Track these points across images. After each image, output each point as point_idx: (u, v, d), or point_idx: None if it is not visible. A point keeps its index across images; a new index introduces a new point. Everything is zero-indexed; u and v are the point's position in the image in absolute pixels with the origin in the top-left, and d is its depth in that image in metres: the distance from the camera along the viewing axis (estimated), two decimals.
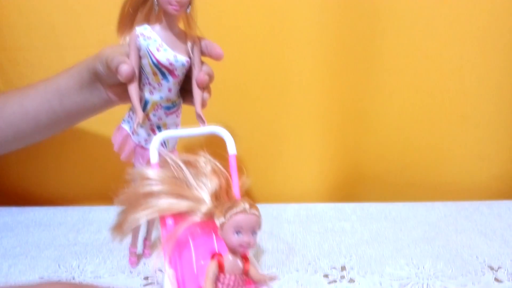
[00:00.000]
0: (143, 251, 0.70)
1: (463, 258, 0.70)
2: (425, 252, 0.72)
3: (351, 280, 0.65)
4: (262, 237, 0.76)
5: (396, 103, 0.90)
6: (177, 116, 0.61)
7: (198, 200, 0.49)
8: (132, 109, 0.60)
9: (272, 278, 0.46)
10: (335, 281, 0.65)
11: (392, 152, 0.93)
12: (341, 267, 0.68)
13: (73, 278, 0.66)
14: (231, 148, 0.53)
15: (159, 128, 0.59)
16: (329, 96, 0.89)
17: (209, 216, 0.48)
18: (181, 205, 0.49)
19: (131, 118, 0.61)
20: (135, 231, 0.67)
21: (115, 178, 0.50)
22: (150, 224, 0.69)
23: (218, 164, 0.52)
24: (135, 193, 0.50)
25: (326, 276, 0.66)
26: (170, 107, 0.59)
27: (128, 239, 0.69)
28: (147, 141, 0.60)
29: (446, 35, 0.86)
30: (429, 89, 0.89)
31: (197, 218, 0.49)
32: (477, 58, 0.87)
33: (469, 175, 0.94)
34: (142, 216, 0.49)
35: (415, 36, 0.85)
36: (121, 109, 0.63)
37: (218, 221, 0.46)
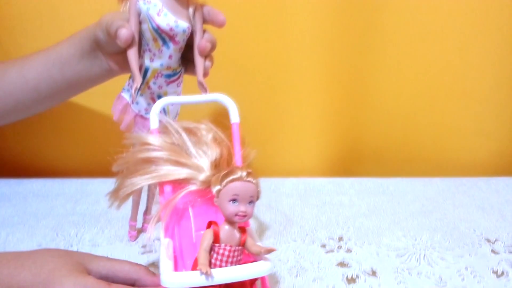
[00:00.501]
0: (143, 226, 0.69)
1: (460, 231, 0.71)
2: (422, 224, 0.73)
3: (348, 250, 0.65)
4: (260, 209, 0.76)
5: (396, 79, 0.90)
6: (178, 85, 0.59)
7: (197, 168, 0.48)
8: (131, 77, 0.60)
9: (269, 251, 0.44)
10: (332, 250, 0.65)
11: (391, 128, 0.92)
12: (339, 238, 0.69)
13: (71, 246, 0.66)
14: (234, 116, 0.53)
15: (159, 97, 0.58)
16: (329, 71, 0.88)
17: (207, 185, 0.48)
18: (180, 172, 0.48)
19: (131, 86, 0.60)
20: (135, 205, 0.66)
21: (113, 151, 0.50)
22: (150, 198, 0.68)
23: (219, 132, 0.52)
24: (134, 159, 0.50)
25: (323, 246, 0.67)
26: (171, 75, 0.57)
27: (127, 212, 0.69)
28: (147, 110, 0.58)
29: (448, 11, 0.85)
30: (430, 65, 0.88)
31: (195, 186, 0.48)
32: (479, 34, 0.86)
33: (467, 151, 0.94)
34: (139, 182, 0.49)
35: (417, 12, 0.85)
36: (121, 81, 0.62)
37: (214, 189, 0.44)
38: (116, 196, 0.50)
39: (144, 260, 0.63)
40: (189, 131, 0.50)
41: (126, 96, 0.61)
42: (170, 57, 0.56)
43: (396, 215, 0.75)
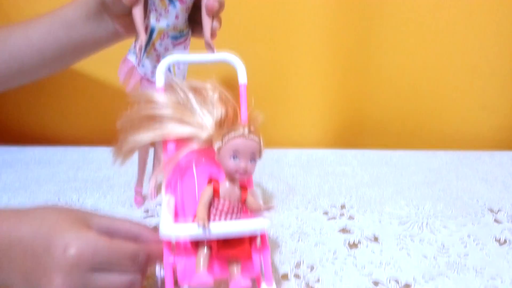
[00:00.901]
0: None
1: (463, 201, 0.70)
2: (425, 194, 0.72)
3: (351, 217, 0.65)
4: (262, 179, 0.76)
5: (400, 51, 0.88)
6: (185, 47, 0.58)
7: (201, 127, 0.48)
8: (137, 36, 0.59)
9: (269, 208, 0.45)
10: (334, 218, 0.65)
11: (395, 100, 0.91)
12: (341, 206, 0.68)
13: None
14: (242, 77, 0.52)
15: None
16: (333, 42, 0.87)
17: (210, 143, 0.47)
18: (184, 130, 0.48)
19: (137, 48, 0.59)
20: (141, 170, 0.65)
21: (116, 119, 0.49)
22: (156, 165, 0.67)
23: (226, 92, 0.51)
24: (138, 115, 0.49)
25: (325, 213, 0.67)
26: (178, 37, 0.56)
27: (129, 178, 0.69)
28: (153, 73, 0.57)
29: None
30: (435, 38, 0.87)
31: (198, 144, 0.48)
32: (485, 7, 0.85)
33: (471, 124, 0.93)
34: (142, 138, 0.48)
35: None
36: (125, 47, 0.61)
37: (215, 145, 0.44)
38: (119, 152, 0.49)
39: (147, 223, 0.63)
40: (195, 90, 0.50)
41: (132, 58, 0.59)
42: (176, 17, 0.55)
43: (399, 185, 0.75)
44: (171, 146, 0.49)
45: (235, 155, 0.42)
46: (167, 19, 0.55)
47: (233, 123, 0.50)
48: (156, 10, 0.55)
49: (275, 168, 0.80)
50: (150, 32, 0.55)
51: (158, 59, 0.57)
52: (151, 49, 0.56)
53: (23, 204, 0.67)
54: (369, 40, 0.87)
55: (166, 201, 0.46)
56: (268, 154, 0.84)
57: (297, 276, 0.53)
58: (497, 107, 0.92)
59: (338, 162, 0.83)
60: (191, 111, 0.49)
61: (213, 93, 0.50)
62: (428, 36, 0.87)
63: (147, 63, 0.57)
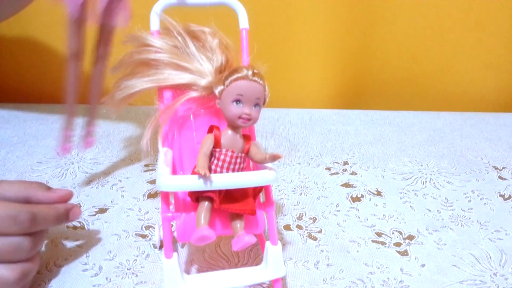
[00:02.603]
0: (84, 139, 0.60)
1: (467, 159, 0.69)
2: (429, 152, 0.71)
3: (353, 173, 0.65)
4: (263, 136, 0.75)
5: (404, 10, 0.86)
6: None
7: (200, 73, 0.45)
8: None
9: (275, 157, 0.40)
10: (337, 173, 0.64)
11: (399, 60, 0.90)
12: (344, 162, 0.68)
13: (72, 164, 0.65)
14: (243, 22, 0.49)
15: None
16: (337, 1, 0.84)
17: (210, 91, 0.45)
18: (181, 77, 0.45)
19: None
20: (70, 109, 0.56)
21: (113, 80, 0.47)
22: (92, 108, 0.58)
23: (226, 38, 0.49)
24: (132, 60, 0.47)
25: (328, 169, 0.66)
26: None
27: (129, 134, 0.67)
28: None
29: None
30: None
31: (197, 92, 0.46)
32: None
33: (476, 85, 0.91)
34: (137, 84, 0.46)
35: None
36: None
37: (216, 89, 0.41)
38: (112, 99, 0.47)
39: (147, 177, 0.62)
40: (193, 35, 0.47)
41: None
42: None
43: (402, 143, 0.74)
44: (167, 94, 0.45)
45: (238, 99, 0.39)
46: None
47: None
48: None
49: (276, 126, 0.79)
50: None
51: None
52: None
53: (21, 157, 0.67)
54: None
55: (163, 153, 0.43)
56: (270, 113, 0.84)
57: (299, 227, 0.52)
58: (502, 66, 0.90)
59: (340, 122, 0.82)
60: (190, 57, 0.46)
61: (212, 38, 0.47)
62: None
63: None
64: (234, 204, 0.39)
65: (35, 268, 0.41)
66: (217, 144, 0.40)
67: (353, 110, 0.87)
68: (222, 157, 0.40)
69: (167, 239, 0.39)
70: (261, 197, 0.44)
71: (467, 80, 0.91)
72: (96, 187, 0.60)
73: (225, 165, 0.40)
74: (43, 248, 0.48)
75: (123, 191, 0.59)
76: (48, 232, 0.45)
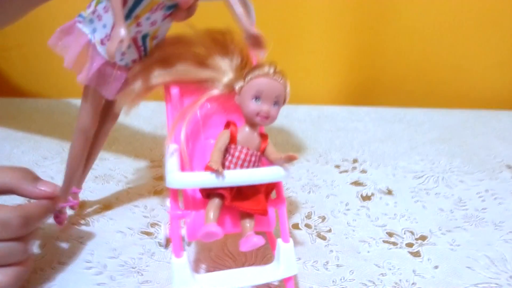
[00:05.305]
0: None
1: (480, 158, 0.68)
2: (441, 150, 0.70)
3: (363, 171, 0.63)
4: (270, 132, 0.73)
5: (415, 6, 0.84)
6: (171, 19, 0.44)
7: (221, 70, 0.44)
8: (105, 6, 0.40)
9: (291, 158, 0.38)
10: (346, 171, 0.63)
11: (409, 56, 0.88)
12: (353, 160, 0.66)
13: None
14: (251, 16, 0.48)
15: (144, 39, 0.42)
16: None
17: (231, 89, 0.43)
18: (202, 72, 0.44)
19: (100, 18, 0.40)
20: (68, 186, 0.48)
21: None
22: (88, 164, 0.51)
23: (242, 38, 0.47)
24: (150, 60, 0.45)
25: (337, 166, 0.64)
26: (171, 7, 0.41)
27: (134, 131, 0.65)
28: (125, 55, 0.42)
29: None
30: None
31: (217, 90, 0.44)
32: None
33: (489, 82, 0.89)
34: (153, 79, 0.44)
35: None
36: None
37: (237, 86, 0.40)
38: (129, 94, 0.45)
39: (153, 173, 0.61)
40: (212, 38, 0.46)
41: (86, 30, 0.41)
42: None
43: (413, 141, 0.73)
44: (174, 90, 0.43)
45: (257, 96, 0.38)
46: None
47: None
48: None
49: (284, 123, 0.78)
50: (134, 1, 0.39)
51: (135, 36, 0.41)
52: (132, 23, 0.39)
53: (27, 152, 0.66)
54: None
55: (172, 150, 0.42)
56: None
57: (308, 226, 0.51)
58: None
59: (349, 118, 0.80)
60: (210, 54, 0.45)
61: (230, 37, 0.46)
62: None
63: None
64: (245, 202, 0.38)
65: (28, 271, 0.40)
66: (232, 140, 0.39)
67: (362, 106, 0.86)
68: (236, 153, 0.39)
69: (176, 238, 0.38)
70: (272, 193, 0.43)
71: (479, 77, 0.89)
72: (102, 183, 0.59)
73: (239, 162, 0.39)
74: (45, 247, 0.47)
75: (129, 187, 0.58)
76: (41, 231, 0.44)
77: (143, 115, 0.77)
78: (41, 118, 0.77)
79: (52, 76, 0.89)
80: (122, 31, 0.35)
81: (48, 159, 0.64)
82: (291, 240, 0.40)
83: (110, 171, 0.61)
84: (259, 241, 0.37)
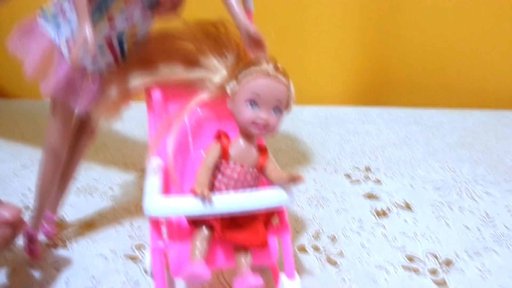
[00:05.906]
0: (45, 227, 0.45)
1: (506, 164, 0.61)
2: (462, 156, 0.63)
3: (377, 181, 0.57)
4: (273, 137, 0.67)
5: (430, 1, 0.78)
6: (152, 17, 0.38)
7: (213, 68, 0.38)
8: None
9: (295, 178, 0.32)
10: (358, 181, 0.57)
11: (424, 52, 0.81)
12: (365, 168, 0.60)
13: None
14: (249, 3, 0.41)
15: (120, 37, 0.36)
16: None
17: (224, 91, 0.36)
18: (191, 73, 0.38)
19: (64, 13, 0.35)
20: (40, 212, 0.43)
21: None
22: (60, 190, 0.45)
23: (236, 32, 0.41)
24: (134, 60, 0.39)
25: (347, 176, 0.58)
26: (153, 4, 0.36)
27: (122, 138, 0.60)
28: (95, 62, 0.36)
29: None
30: None
31: (208, 93, 0.37)
32: None
33: (509, 81, 0.82)
34: (134, 82, 0.38)
35: None
36: None
37: (228, 87, 0.33)
38: (101, 107, 0.39)
39: (142, 184, 0.55)
40: (204, 30, 0.39)
41: (49, 27, 0.36)
42: None
43: (431, 146, 0.66)
44: (156, 95, 0.37)
45: (253, 101, 0.32)
46: None
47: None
48: None
49: (289, 126, 0.72)
50: None
51: (109, 38, 0.35)
52: (102, 19, 0.34)
53: (6, 160, 0.60)
54: None
55: (154, 165, 0.36)
56: None
57: (316, 248, 0.45)
58: None
59: (360, 120, 0.74)
60: (200, 51, 0.38)
61: (224, 30, 0.40)
62: None
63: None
64: (239, 233, 0.32)
65: None
66: (224, 155, 0.33)
67: (374, 107, 0.79)
68: (228, 172, 0.33)
69: (158, 273, 0.32)
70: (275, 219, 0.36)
71: (500, 74, 0.82)
72: (84, 197, 0.53)
73: (231, 182, 0.33)
74: (13, 275, 0.41)
75: (115, 201, 0.52)
76: (10, 255, 0.38)
77: (135, 117, 0.71)
78: (24, 120, 0.72)
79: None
80: (86, 29, 0.30)
81: (27, 168, 0.58)
82: (297, 276, 0.34)
83: (94, 181, 0.56)
84: (256, 281, 0.30)
